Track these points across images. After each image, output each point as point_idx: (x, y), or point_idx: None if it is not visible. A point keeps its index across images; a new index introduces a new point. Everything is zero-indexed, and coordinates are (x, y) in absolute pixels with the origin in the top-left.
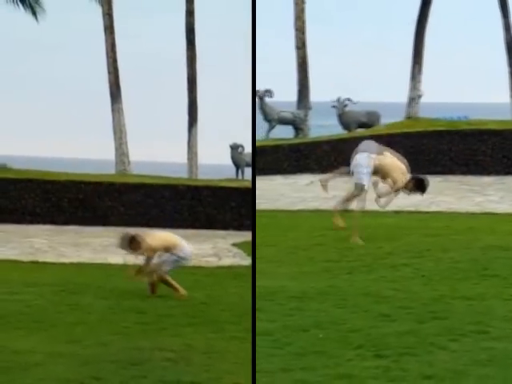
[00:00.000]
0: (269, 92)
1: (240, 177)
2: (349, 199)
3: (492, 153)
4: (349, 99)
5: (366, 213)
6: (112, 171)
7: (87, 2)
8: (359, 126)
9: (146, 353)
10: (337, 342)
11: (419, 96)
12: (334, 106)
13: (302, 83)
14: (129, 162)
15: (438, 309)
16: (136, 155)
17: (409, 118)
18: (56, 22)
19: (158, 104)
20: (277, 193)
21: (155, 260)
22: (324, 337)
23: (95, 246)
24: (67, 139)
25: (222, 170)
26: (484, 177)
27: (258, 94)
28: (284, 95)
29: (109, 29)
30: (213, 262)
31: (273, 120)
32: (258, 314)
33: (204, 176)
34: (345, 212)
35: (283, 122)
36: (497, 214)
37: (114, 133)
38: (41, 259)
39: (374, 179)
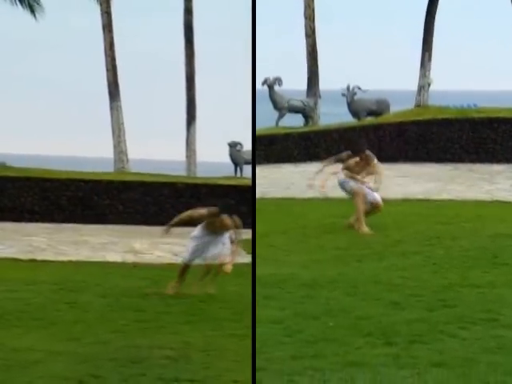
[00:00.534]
0: (278, 80)
1: (239, 174)
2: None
3: (502, 141)
4: (358, 87)
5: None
6: (111, 169)
7: (86, 1)
8: (369, 114)
9: (145, 351)
10: (347, 329)
11: (429, 84)
12: (343, 94)
13: (312, 70)
14: (127, 160)
15: (447, 297)
16: (134, 153)
17: (418, 105)
18: (54, 21)
19: (156, 102)
20: (287, 181)
21: None
22: (334, 324)
23: (94, 244)
24: (66, 137)
25: (221, 168)
26: (494, 165)
27: (267, 82)
28: (293, 83)
29: (107, 27)
30: None
31: (283, 108)
32: (268, 302)
33: (203, 174)
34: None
35: (293, 110)
36: (507, 202)
37: (113, 131)
38: (39, 257)
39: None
